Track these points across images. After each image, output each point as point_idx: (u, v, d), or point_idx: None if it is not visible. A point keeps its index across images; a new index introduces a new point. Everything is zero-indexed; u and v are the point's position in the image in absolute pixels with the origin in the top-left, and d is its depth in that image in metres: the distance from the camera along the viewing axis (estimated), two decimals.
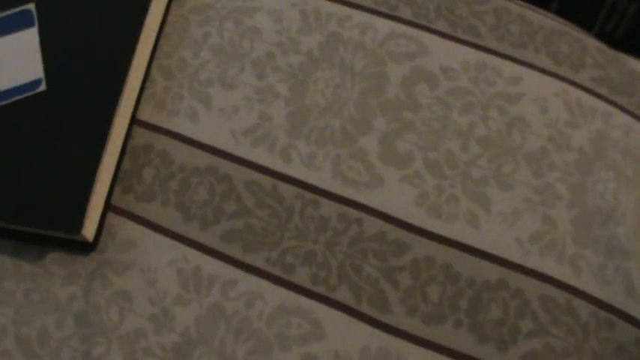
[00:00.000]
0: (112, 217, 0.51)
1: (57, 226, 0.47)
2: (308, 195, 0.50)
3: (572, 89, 0.53)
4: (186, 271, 0.49)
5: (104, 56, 0.52)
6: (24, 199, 0.48)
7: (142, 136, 0.53)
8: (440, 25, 0.55)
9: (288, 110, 0.53)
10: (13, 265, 0.50)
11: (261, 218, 0.50)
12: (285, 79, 0.54)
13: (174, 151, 0.52)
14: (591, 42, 0.56)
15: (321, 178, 0.51)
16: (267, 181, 0.51)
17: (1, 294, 0.49)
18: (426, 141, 0.52)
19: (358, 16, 0.56)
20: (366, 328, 0.47)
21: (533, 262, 0.49)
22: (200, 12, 0.56)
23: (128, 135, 0.52)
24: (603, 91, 0.54)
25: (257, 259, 0.49)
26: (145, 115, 0.53)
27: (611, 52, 0.56)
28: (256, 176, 0.51)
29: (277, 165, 0.51)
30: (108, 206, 0.51)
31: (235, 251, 0.49)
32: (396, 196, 0.50)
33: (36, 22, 0.54)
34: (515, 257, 0.49)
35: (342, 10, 0.56)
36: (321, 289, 0.48)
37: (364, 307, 0.48)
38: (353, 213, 0.50)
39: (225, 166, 0.51)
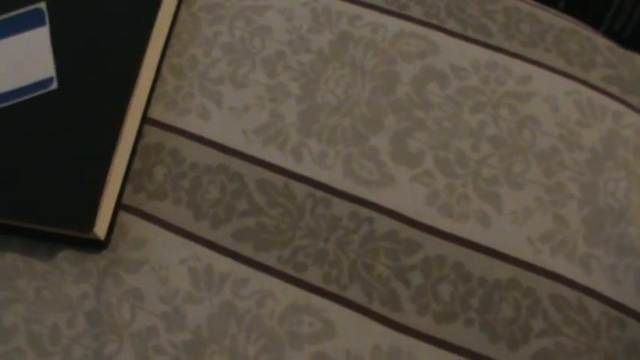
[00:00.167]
0: (123, 215, 0.51)
1: (69, 224, 0.48)
2: (319, 194, 0.50)
3: (582, 88, 0.53)
4: (198, 269, 0.49)
5: (115, 55, 0.52)
6: (36, 197, 0.48)
7: (153, 134, 0.53)
8: (450, 24, 0.56)
9: (299, 109, 0.53)
10: (24, 263, 0.50)
11: (273, 217, 0.50)
12: (296, 77, 0.54)
13: (185, 149, 0.52)
14: (602, 41, 0.56)
15: (333, 177, 0.51)
16: (278, 179, 0.51)
17: (13, 292, 0.49)
18: (437, 140, 0.52)
19: (369, 15, 0.56)
20: (378, 327, 0.47)
21: (544, 261, 0.49)
22: (210, 10, 0.57)
23: (139, 134, 0.53)
24: (614, 90, 0.54)
25: (268, 258, 0.49)
26: (156, 113, 0.53)
27: (621, 51, 0.56)
28: (268, 175, 0.51)
29: (288, 163, 0.51)
30: (119, 205, 0.51)
31: (247, 250, 0.49)
32: (407, 195, 0.50)
33: (47, 21, 0.54)
34: (527, 256, 0.49)
35: (352, 8, 0.56)
36: (332, 288, 0.48)
37: (375, 306, 0.48)
38: (364, 212, 0.50)
39: (237, 164, 0.51)
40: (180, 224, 0.50)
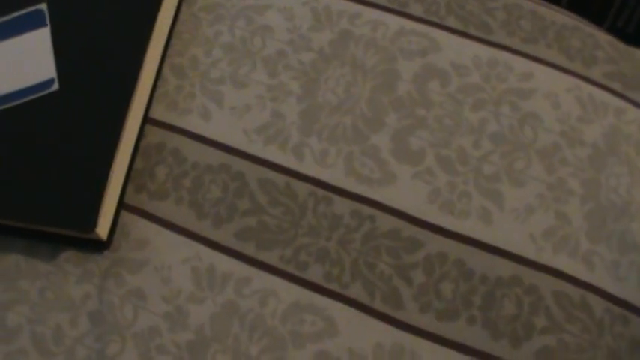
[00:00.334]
0: (125, 215, 0.51)
1: (71, 224, 0.48)
2: (321, 192, 0.50)
3: (584, 84, 0.53)
4: (200, 268, 0.49)
5: (116, 55, 0.52)
6: (38, 198, 0.48)
7: (154, 134, 0.53)
8: (451, 22, 0.55)
9: (300, 108, 0.53)
10: (27, 264, 0.50)
11: (275, 216, 0.50)
12: (296, 76, 0.54)
13: (186, 149, 0.52)
14: (603, 37, 0.56)
15: (334, 176, 0.51)
16: (280, 178, 0.51)
17: (16, 292, 0.49)
18: (438, 138, 0.52)
19: (369, 13, 0.56)
20: (380, 325, 0.47)
21: (546, 258, 0.49)
22: (211, 10, 0.57)
23: (141, 134, 0.53)
24: (615, 86, 0.54)
25: (271, 257, 0.49)
26: (157, 113, 0.53)
27: (623, 47, 0.56)
28: (269, 174, 0.51)
29: (290, 163, 0.51)
30: (121, 205, 0.51)
31: (249, 249, 0.49)
32: (408, 193, 0.50)
33: (48, 22, 0.54)
34: (529, 253, 0.49)
35: (353, 7, 0.56)
36: (334, 286, 0.48)
37: (378, 304, 0.48)
38: (366, 210, 0.50)
39: (238, 164, 0.51)
40: (182, 224, 0.50)
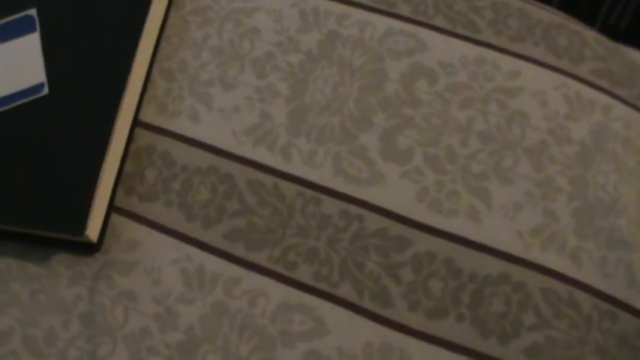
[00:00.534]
0: (115, 218, 0.51)
1: (61, 227, 0.48)
2: (309, 192, 0.51)
3: (571, 82, 0.53)
4: (190, 270, 0.49)
5: (105, 60, 0.52)
6: (28, 201, 0.49)
7: (144, 137, 0.53)
8: (438, 21, 0.56)
9: (289, 109, 0.53)
10: (18, 267, 0.50)
11: (263, 216, 0.50)
12: (285, 78, 0.54)
13: (176, 151, 0.52)
14: (590, 34, 0.56)
15: (322, 176, 0.51)
16: (268, 179, 0.51)
17: (8, 295, 0.49)
18: (426, 136, 0.52)
19: (357, 13, 0.56)
20: (369, 324, 0.48)
21: (534, 255, 0.49)
22: (200, 13, 0.57)
23: (130, 137, 0.53)
24: (603, 83, 0.54)
25: (260, 257, 0.49)
26: (146, 116, 0.54)
27: (610, 44, 0.56)
28: (258, 175, 0.51)
29: (278, 163, 0.51)
30: (111, 207, 0.51)
31: (238, 249, 0.50)
32: (396, 192, 0.50)
33: (38, 27, 0.54)
34: (517, 251, 0.49)
35: (340, 8, 0.56)
36: (323, 286, 0.48)
37: (367, 303, 0.48)
38: (354, 210, 0.50)
39: (227, 165, 0.52)
40: (172, 226, 0.51)
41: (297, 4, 0.56)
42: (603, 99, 0.53)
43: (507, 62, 0.54)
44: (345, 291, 0.48)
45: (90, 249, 0.50)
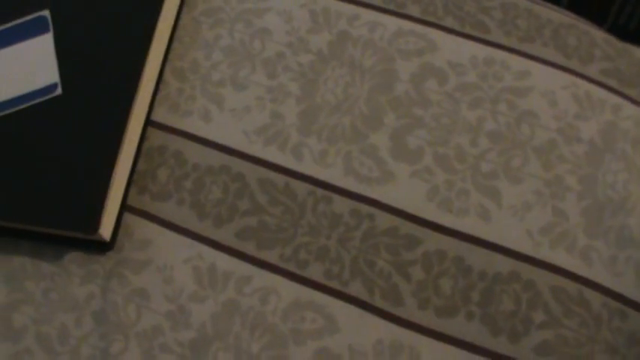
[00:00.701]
0: (128, 217, 0.52)
1: (75, 226, 0.48)
2: (320, 191, 0.51)
3: (580, 82, 0.54)
4: (202, 268, 0.50)
5: (118, 60, 0.53)
6: (42, 200, 0.49)
7: (156, 137, 0.54)
8: (448, 22, 0.56)
9: (300, 109, 0.53)
10: (32, 265, 0.51)
11: (275, 215, 0.51)
12: (295, 78, 0.54)
13: (188, 151, 0.53)
14: (599, 34, 0.56)
15: (333, 175, 0.51)
16: (279, 178, 0.52)
17: (22, 293, 0.50)
18: (436, 136, 0.52)
19: (367, 14, 0.56)
20: (380, 322, 0.48)
21: (544, 253, 0.49)
22: (211, 14, 0.57)
23: (143, 136, 0.53)
24: (612, 83, 0.54)
25: (271, 256, 0.50)
26: (159, 116, 0.54)
27: (619, 44, 0.56)
28: (269, 174, 0.52)
29: (289, 163, 0.52)
30: (124, 206, 0.52)
31: (249, 248, 0.50)
32: (407, 191, 0.51)
33: (51, 28, 0.55)
34: (527, 249, 0.49)
35: (350, 9, 0.57)
36: (334, 284, 0.49)
37: (377, 301, 0.48)
38: (365, 208, 0.50)
39: (239, 164, 0.52)
40: (184, 224, 0.51)
41: (307, 5, 0.57)
42: (613, 99, 0.53)
43: (517, 62, 0.54)
44: (356, 289, 0.49)
45: (103, 248, 0.51)
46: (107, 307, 0.49)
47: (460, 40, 0.55)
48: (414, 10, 0.56)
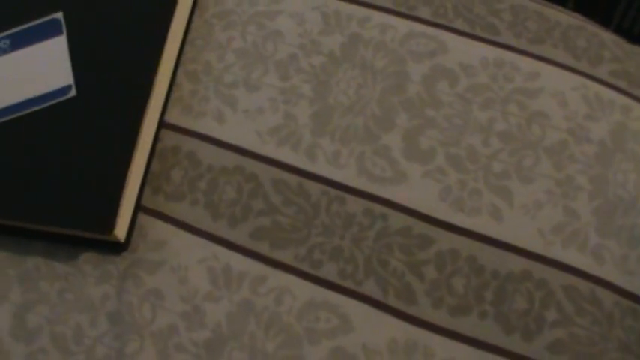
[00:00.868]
0: (142, 217, 0.52)
1: (90, 227, 0.49)
2: (333, 192, 0.51)
3: (590, 83, 0.54)
4: (216, 268, 0.50)
5: (132, 62, 0.53)
6: (57, 201, 0.49)
7: (170, 138, 0.54)
8: (458, 24, 0.57)
9: (312, 110, 0.54)
10: (47, 265, 0.51)
11: (289, 215, 0.51)
12: (308, 79, 0.55)
13: (201, 152, 0.53)
14: (608, 36, 0.57)
15: (346, 175, 0.52)
16: (293, 179, 0.52)
17: (37, 294, 0.50)
18: (448, 137, 0.53)
19: (378, 16, 0.57)
20: (394, 321, 0.48)
21: (556, 252, 0.49)
22: (223, 17, 0.58)
23: (156, 137, 0.54)
24: (621, 84, 0.55)
25: (285, 256, 0.50)
26: (172, 118, 0.55)
27: (628, 46, 0.57)
28: (282, 175, 0.52)
29: (303, 163, 0.52)
30: (138, 207, 0.52)
31: (264, 248, 0.50)
32: (419, 191, 0.51)
33: (64, 30, 0.55)
34: (539, 248, 0.49)
35: (362, 11, 0.57)
36: (348, 284, 0.49)
37: (391, 300, 0.49)
38: (378, 208, 0.51)
39: (252, 165, 0.53)
40: (198, 225, 0.51)
41: (319, 8, 0.57)
42: (622, 99, 0.54)
43: (527, 64, 0.55)
44: (370, 288, 0.49)
45: (117, 248, 0.51)
46: (122, 307, 0.49)
47: (470, 41, 0.56)
48: (425, 13, 0.57)
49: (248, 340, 0.48)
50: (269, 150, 0.53)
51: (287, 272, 0.50)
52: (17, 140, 0.52)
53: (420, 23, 0.56)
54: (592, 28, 0.57)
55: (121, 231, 0.50)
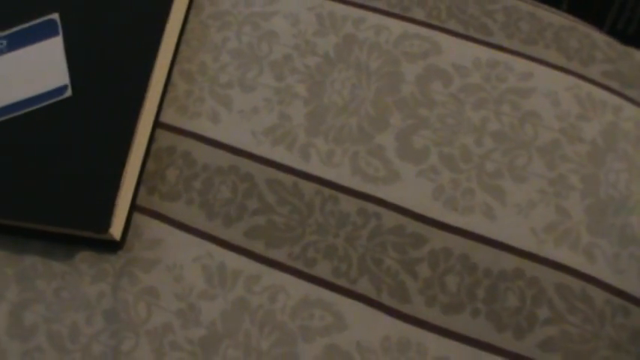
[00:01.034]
0: (137, 216, 0.52)
1: (86, 226, 0.49)
2: (327, 191, 0.52)
3: (582, 83, 0.55)
4: (211, 267, 0.50)
5: (127, 62, 0.54)
6: (53, 200, 0.50)
7: (165, 138, 0.54)
8: (452, 25, 0.57)
9: (307, 110, 0.54)
10: (43, 264, 0.51)
11: (283, 215, 0.51)
12: (303, 80, 0.55)
13: (196, 151, 0.54)
14: (600, 37, 0.57)
15: (340, 175, 0.52)
16: (287, 178, 0.52)
17: (33, 292, 0.50)
18: (441, 136, 0.53)
19: (372, 17, 0.57)
20: (387, 319, 0.49)
21: (548, 251, 0.50)
22: (218, 17, 0.58)
23: (152, 137, 0.54)
24: (613, 84, 0.55)
25: (280, 254, 0.50)
26: (167, 118, 0.55)
27: (620, 47, 0.57)
28: (277, 174, 0.52)
29: (297, 163, 0.53)
30: (134, 206, 0.52)
31: (258, 247, 0.51)
32: (413, 191, 0.52)
33: (60, 31, 0.55)
34: (531, 247, 0.50)
35: (356, 12, 0.58)
36: (342, 282, 0.49)
37: (385, 299, 0.49)
38: (372, 207, 0.51)
39: (247, 165, 0.53)
40: (193, 224, 0.52)
41: (314, 8, 0.58)
42: (614, 100, 0.54)
43: (519, 64, 0.55)
44: (364, 287, 0.49)
45: (113, 247, 0.51)
46: (118, 306, 0.50)
47: (464, 42, 0.56)
48: (419, 14, 0.57)
49: (243, 338, 0.48)
50: (264, 150, 0.53)
51: (281, 271, 0.50)
52: (13, 140, 0.52)
53: (414, 24, 0.57)
54: (584, 28, 0.57)
55: (116, 230, 0.50)
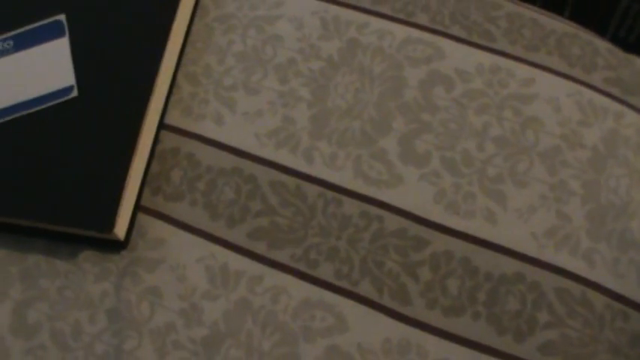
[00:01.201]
0: (141, 217, 0.53)
1: (90, 225, 0.49)
2: (330, 194, 0.52)
3: (584, 90, 0.55)
4: (214, 267, 0.51)
5: (133, 64, 0.54)
6: (58, 200, 0.50)
7: (169, 139, 0.55)
8: (455, 30, 0.57)
9: (310, 113, 0.55)
10: (47, 263, 0.52)
11: (286, 216, 0.52)
12: (306, 83, 0.56)
13: (201, 153, 0.54)
14: (602, 44, 0.58)
15: (343, 178, 0.53)
16: (290, 181, 0.53)
17: (37, 291, 0.51)
18: (443, 141, 0.53)
19: (376, 22, 0.58)
20: (388, 321, 0.49)
21: (548, 255, 0.50)
22: (224, 21, 0.59)
23: (156, 139, 0.55)
24: (615, 91, 0.55)
25: (282, 256, 0.51)
26: (172, 119, 0.55)
27: (622, 54, 0.58)
28: (280, 176, 0.53)
29: (300, 165, 0.53)
30: (138, 207, 0.53)
31: (261, 248, 0.51)
32: (415, 194, 0.52)
33: (67, 32, 0.56)
34: (531, 251, 0.50)
35: (360, 17, 0.58)
36: (344, 284, 0.50)
37: (386, 301, 0.49)
38: (374, 210, 0.52)
39: (251, 167, 0.53)
40: (197, 225, 0.52)
41: (318, 13, 0.58)
42: (615, 106, 0.55)
43: (522, 70, 0.56)
44: (365, 289, 0.50)
45: (117, 247, 0.52)
46: (121, 305, 0.50)
47: (467, 48, 0.57)
48: (423, 19, 0.58)
49: (245, 339, 0.49)
50: (267, 152, 0.54)
51: (284, 272, 0.50)
52: (20, 139, 0.52)
53: (418, 29, 0.57)
54: (586, 35, 0.58)
55: (120, 230, 0.51)
